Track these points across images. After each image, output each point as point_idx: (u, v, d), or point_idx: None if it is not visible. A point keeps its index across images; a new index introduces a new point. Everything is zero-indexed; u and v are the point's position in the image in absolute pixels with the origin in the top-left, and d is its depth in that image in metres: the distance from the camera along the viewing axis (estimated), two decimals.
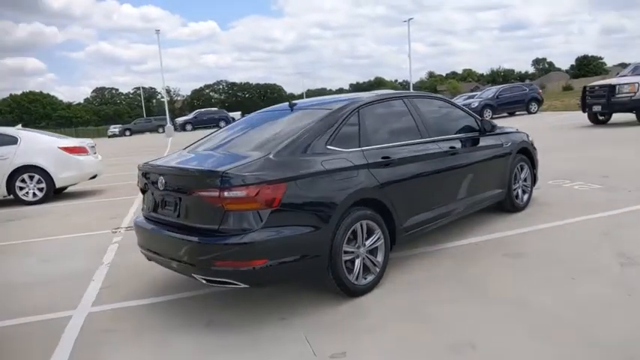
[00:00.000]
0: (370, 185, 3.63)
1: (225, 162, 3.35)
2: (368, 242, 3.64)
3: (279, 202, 3.13)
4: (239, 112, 51.77)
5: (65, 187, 9.93)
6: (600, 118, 15.82)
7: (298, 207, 3.25)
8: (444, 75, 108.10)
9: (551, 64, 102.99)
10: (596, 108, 15.14)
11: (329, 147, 3.58)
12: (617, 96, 14.36)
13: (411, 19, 47.08)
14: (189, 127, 40.99)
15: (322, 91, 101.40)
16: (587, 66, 67.25)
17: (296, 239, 3.20)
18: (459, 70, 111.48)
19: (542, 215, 5.38)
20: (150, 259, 3.85)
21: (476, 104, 23.09)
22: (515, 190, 5.43)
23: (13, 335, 3.53)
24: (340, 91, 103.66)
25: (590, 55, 72.35)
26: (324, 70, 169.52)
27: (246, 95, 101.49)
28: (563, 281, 3.63)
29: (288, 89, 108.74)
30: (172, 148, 22.76)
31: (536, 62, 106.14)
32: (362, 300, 3.58)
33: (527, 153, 5.62)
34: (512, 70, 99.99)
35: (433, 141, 4.36)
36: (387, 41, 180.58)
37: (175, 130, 37.22)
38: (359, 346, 2.94)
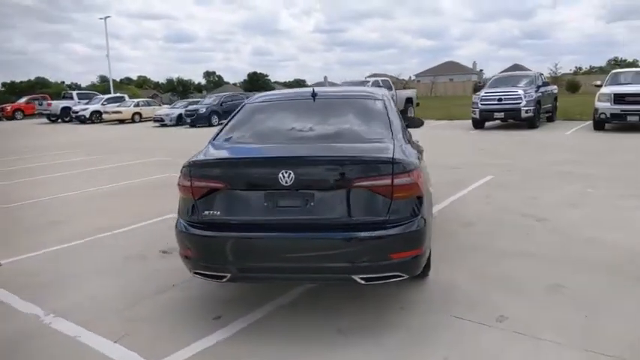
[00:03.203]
0: None
1: (370, 149, 3.10)
2: None
3: (423, 189, 3.16)
4: None
5: None
6: None
7: (426, 193, 3.32)
8: (119, 80, 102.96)
9: (220, 77, 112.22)
10: None
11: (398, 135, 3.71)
12: None
13: (108, 17, 43.07)
14: None
15: None
16: (257, 81, 77.40)
17: (429, 224, 3.28)
18: (133, 77, 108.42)
19: None
20: (238, 280, 3.10)
21: (203, 110, 23.66)
22: None
23: None
24: None
25: (258, 72, 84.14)
26: None
27: None
28: (525, 236, 4.84)
29: None
30: None
31: (207, 75, 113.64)
32: (431, 278, 3.87)
33: None
34: (189, 81, 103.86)
35: None
36: (40, 38, 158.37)
37: None
38: (501, 307, 3.32)
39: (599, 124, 14.18)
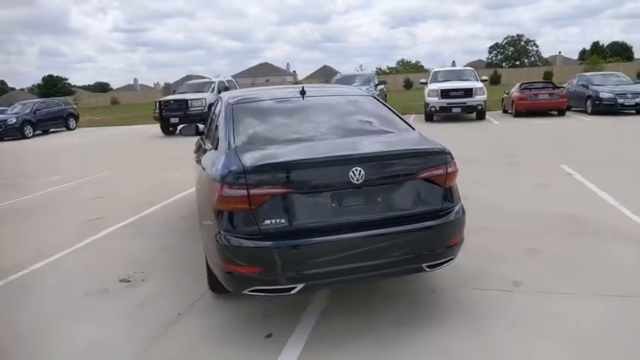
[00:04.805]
0: None
1: (418, 141, 3.25)
2: None
3: None
4: None
5: None
6: (170, 129, 17.91)
7: None
8: None
9: (3, 82, 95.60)
10: (174, 119, 17.12)
11: None
12: (191, 109, 16.92)
13: None
14: None
15: None
16: (54, 86, 67.91)
17: None
18: None
19: None
20: (310, 289, 2.94)
21: (13, 120, 20.03)
22: None
23: None
24: None
25: (55, 75, 73.60)
26: None
27: None
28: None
29: None
30: None
31: None
32: None
33: None
34: None
35: None
36: None
37: None
38: (507, 274, 3.78)
39: (430, 116, 16.46)
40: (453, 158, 3.19)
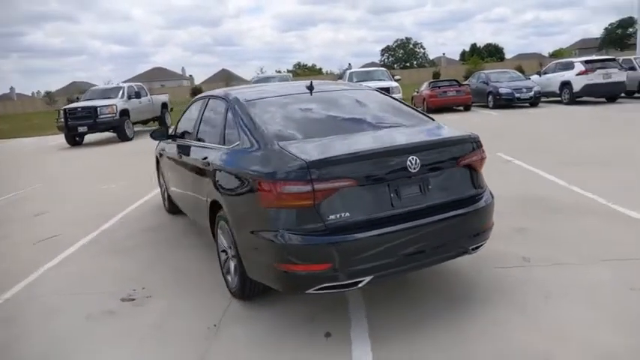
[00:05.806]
0: None
1: (451, 130, 3.38)
2: None
3: None
4: None
5: None
6: (77, 139, 16.45)
7: None
8: None
9: None
10: (82, 129, 15.74)
11: None
12: (101, 117, 15.67)
13: None
14: None
15: None
16: None
17: None
18: None
19: None
20: (377, 280, 2.87)
21: None
22: None
23: None
24: None
25: None
26: None
27: None
28: None
29: None
30: None
31: None
32: None
33: None
34: None
35: None
36: None
37: None
38: (515, 251, 4.05)
39: None
40: (481, 146, 3.36)
